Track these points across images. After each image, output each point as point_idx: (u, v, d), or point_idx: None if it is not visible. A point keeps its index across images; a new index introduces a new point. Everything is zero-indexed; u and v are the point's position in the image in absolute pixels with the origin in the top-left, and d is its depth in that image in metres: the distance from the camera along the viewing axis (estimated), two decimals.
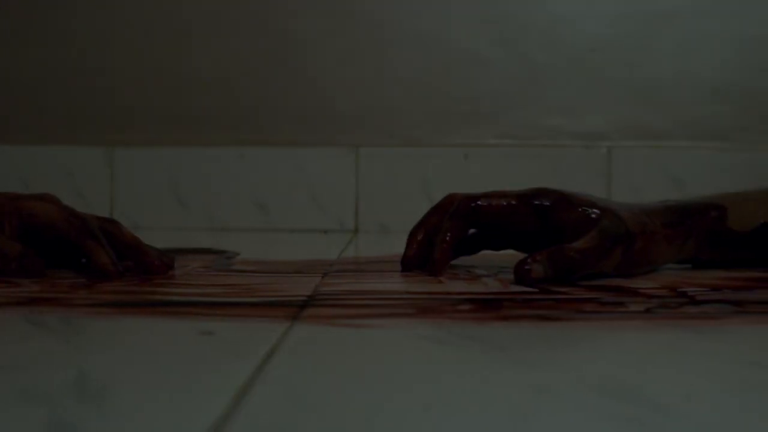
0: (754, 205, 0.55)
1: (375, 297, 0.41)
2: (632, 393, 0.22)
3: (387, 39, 0.87)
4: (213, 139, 0.88)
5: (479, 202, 0.51)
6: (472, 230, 0.53)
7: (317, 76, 0.87)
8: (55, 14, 0.88)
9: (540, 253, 0.46)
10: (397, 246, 0.55)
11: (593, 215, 0.49)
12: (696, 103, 0.85)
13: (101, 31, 0.89)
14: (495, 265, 0.54)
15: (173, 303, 0.38)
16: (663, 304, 0.39)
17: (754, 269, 0.54)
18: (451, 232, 0.51)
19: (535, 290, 0.44)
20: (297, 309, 0.37)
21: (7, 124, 0.90)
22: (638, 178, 0.85)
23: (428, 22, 0.86)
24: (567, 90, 0.86)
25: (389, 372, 0.26)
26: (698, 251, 0.53)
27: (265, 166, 0.87)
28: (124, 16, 0.88)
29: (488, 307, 0.38)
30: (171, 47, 0.88)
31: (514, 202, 0.51)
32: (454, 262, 0.53)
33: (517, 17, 0.86)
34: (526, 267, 0.45)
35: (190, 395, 0.22)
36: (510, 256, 0.53)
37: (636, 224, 0.49)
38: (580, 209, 0.49)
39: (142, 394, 0.22)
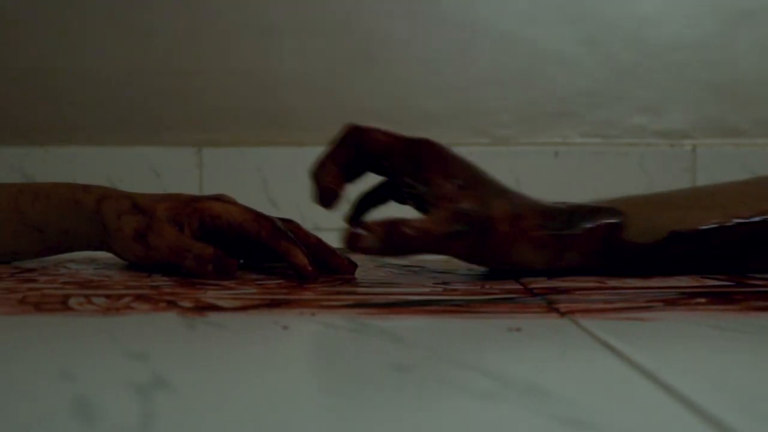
0: (662, 210, 0.47)
1: (590, 291, 0.42)
2: None
3: (474, 39, 0.88)
4: (302, 138, 0.88)
5: (363, 128, 0.48)
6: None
7: (405, 77, 0.88)
8: (139, 15, 0.88)
9: (378, 222, 0.42)
10: None
11: (460, 189, 0.44)
12: None
13: (186, 31, 0.88)
14: None
15: (424, 302, 0.39)
16: None
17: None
18: (333, 156, 0.47)
19: (732, 283, 0.45)
20: (544, 303, 0.38)
21: (95, 125, 0.89)
22: (721, 176, 0.86)
23: (514, 22, 0.87)
24: (651, 89, 0.87)
25: (751, 359, 0.27)
26: (586, 262, 0.47)
27: None
28: (209, 16, 0.88)
29: (724, 299, 0.39)
30: (257, 47, 0.88)
31: (392, 141, 0.47)
32: None
33: (602, 18, 0.87)
34: (359, 232, 0.41)
35: (625, 388, 0.23)
36: None
37: (506, 216, 0.44)
38: (451, 176, 0.45)
39: (577, 392, 0.23)
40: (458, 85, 0.88)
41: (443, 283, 0.45)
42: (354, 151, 0.48)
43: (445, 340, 0.29)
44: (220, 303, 0.38)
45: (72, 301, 0.38)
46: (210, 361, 0.26)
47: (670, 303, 0.38)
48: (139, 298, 0.39)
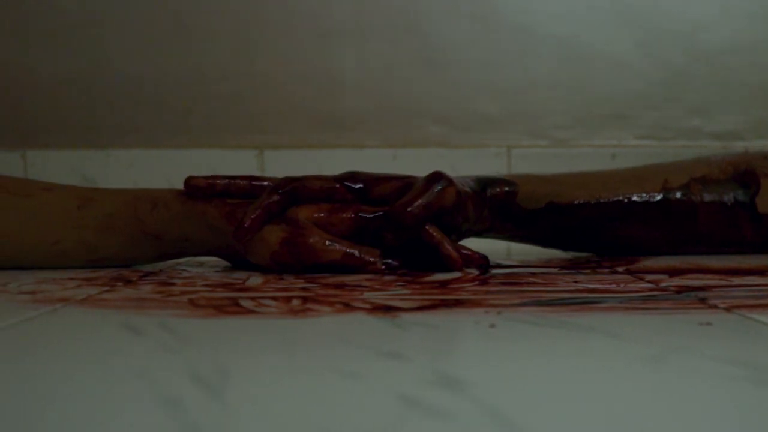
0: (544, 184, 0.60)
1: (723, 287, 0.44)
2: None
3: (529, 42, 0.90)
4: (362, 140, 0.90)
5: (296, 184, 0.53)
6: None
7: (463, 79, 0.90)
8: (199, 18, 0.89)
9: (385, 229, 0.50)
10: None
11: (410, 178, 0.53)
12: None
13: (247, 33, 0.90)
14: None
15: (588, 301, 0.40)
16: None
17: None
18: (266, 205, 0.52)
19: None
20: (697, 300, 0.40)
21: (155, 128, 0.90)
22: None
23: (569, 26, 0.89)
24: (703, 92, 0.90)
25: None
26: (493, 221, 0.58)
27: (418, 166, 0.89)
28: (270, 18, 0.89)
29: None
30: (315, 49, 0.89)
31: (331, 184, 0.53)
32: None
33: (656, 22, 0.90)
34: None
35: None
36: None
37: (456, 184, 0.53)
38: (393, 179, 0.53)
39: None
40: (516, 88, 0.90)
41: (575, 282, 0.47)
42: (286, 202, 0.53)
43: (655, 335, 0.31)
44: (393, 304, 0.39)
45: (244, 304, 0.40)
46: (485, 358, 0.28)
47: None
48: (306, 300, 0.41)
